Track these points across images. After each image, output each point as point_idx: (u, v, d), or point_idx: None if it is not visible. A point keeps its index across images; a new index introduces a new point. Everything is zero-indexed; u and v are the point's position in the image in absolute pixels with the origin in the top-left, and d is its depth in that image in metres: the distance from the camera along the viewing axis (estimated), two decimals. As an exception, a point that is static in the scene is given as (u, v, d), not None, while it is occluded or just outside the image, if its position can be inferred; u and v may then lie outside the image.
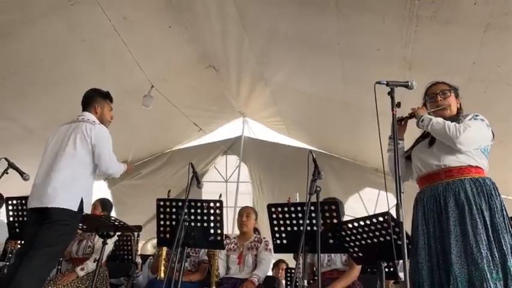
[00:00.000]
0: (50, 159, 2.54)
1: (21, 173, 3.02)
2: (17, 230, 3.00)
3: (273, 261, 4.25)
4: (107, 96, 2.82)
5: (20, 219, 2.98)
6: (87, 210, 2.55)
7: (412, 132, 2.20)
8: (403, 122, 2.14)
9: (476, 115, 2.01)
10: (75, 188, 2.47)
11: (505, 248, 1.73)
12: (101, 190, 6.13)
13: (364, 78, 3.63)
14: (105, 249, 2.77)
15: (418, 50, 3.18)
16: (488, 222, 1.78)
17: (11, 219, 3.03)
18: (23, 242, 2.52)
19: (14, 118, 4.64)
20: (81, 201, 2.45)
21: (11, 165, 3.04)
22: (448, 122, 1.94)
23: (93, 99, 2.78)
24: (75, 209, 2.42)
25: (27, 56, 4.00)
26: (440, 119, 1.98)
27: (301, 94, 4.93)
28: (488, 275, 1.67)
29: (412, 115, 2.09)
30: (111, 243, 3.14)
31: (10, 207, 3.03)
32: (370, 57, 3.55)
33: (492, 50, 2.90)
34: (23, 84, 4.26)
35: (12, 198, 3.01)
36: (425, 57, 3.24)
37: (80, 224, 3.01)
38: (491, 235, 1.76)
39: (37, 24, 3.73)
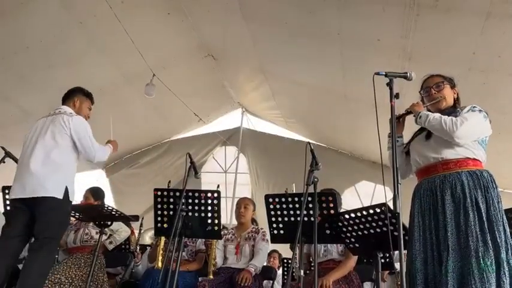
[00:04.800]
0: (31, 151, 2.56)
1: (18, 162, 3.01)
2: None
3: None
4: (88, 95, 2.87)
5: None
6: (72, 198, 2.56)
7: (410, 126, 2.20)
8: (400, 120, 2.13)
9: (474, 107, 1.99)
10: (59, 176, 2.50)
11: (498, 241, 1.73)
12: (98, 180, 6.14)
13: (363, 69, 3.59)
14: (101, 239, 2.79)
15: (418, 40, 3.15)
16: (484, 215, 1.78)
17: (8, 208, 3.02)
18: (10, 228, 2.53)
19: (12, 100, 4.59)
20: (66, 190, 2.48)
21: (8, 154, 3.03)
22: (444, 117, 1.94)
23: (74, 93, 2.83)
24: (61, 197, 2.45)
25: (25, 37, 3.93)
26: (437, 115, 1.97)
27: (300, 86, 4.90)
28: (475, 269, 1.68)
29: (409, 112, 2.09)
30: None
31: (7, 197, 3.02)
32: (370, 48, 3.52)
33: (492, 39, 2.87)
34: (21, 66, 4.20)
35: (8, 187, 3.00)
36: (425, 47, 3.22)
37: (77, 214, 3.04)
38: (486, 227, 1.76)
39: (35, 4, 3.66)
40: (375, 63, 3.51)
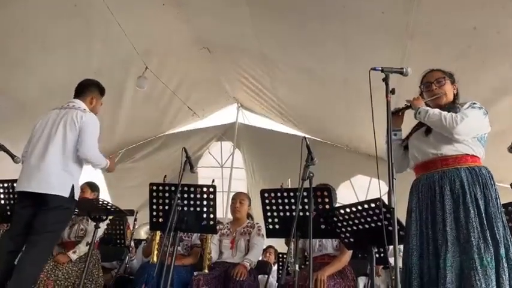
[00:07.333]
0: (41, 144, 2.55)
1: (12, 156, 2.96)
2: (8, 213, 2.98)
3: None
4: (102, 92, 2.84)
5: (11, 202, 2.96)
6: (77, 197, 2.57)
7: (408, 121, 2.19)
8: (400, 113, 2.13)
9: (474, 103, 1.99)
10: (67, 175, 2.50)
11: (498, 237, 1.74)
12: (90, 174, 6.08)
13: (365, 48, 3.54)
14: (97, 232, 2.78)
15: (421, 14, 3.08)
16: (482, 211, 1.79)
17: (2, 202, 3.01)
18: (11, 224, 2.54)
19: (6, 89, 4.50)
20: (72, 188, 2.49)
21: (1, 147, 2.99)
22: (444, 113, 1.93)
23: (91, 90, 2.79)
24: (67, 195, 2.45)
25: (20, 19, 3.83)
26: (436, 110, 1.97)
27: (299, 74, 4.78)
28: (478, 265, 1.68)
29: (408, 106, 2.09)
30: (103, 226, 3.15)
31: (1, 190, 3.00)
32: (373, 23, 3.44)
33: (493, 13, 2.83)
34: (16, 51, 4.10)
35: (2, 181, 2.98)
36: (428, 22, 3.16)
37: (72, 208, 3.02)
38: (485, 223, 1.76)
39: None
40: (377, 42, 3.49)
